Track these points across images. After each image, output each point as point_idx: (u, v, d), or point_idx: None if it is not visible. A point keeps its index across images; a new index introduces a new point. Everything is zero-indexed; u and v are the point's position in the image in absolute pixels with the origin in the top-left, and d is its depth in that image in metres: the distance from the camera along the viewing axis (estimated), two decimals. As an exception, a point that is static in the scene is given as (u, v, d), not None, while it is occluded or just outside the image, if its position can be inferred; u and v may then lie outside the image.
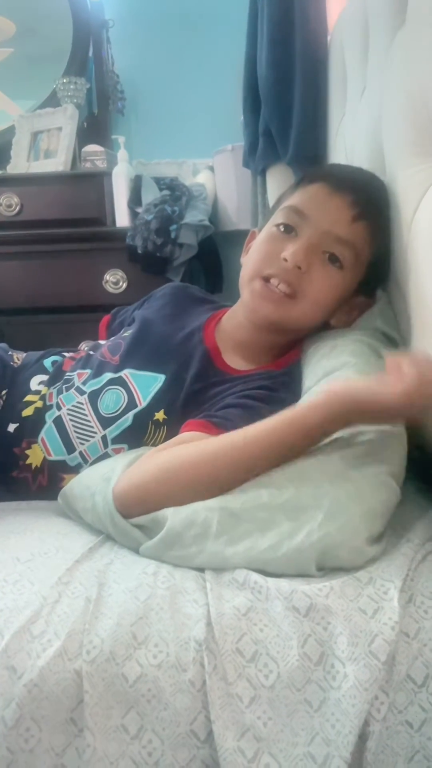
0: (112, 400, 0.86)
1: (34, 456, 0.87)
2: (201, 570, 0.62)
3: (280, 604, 0.56)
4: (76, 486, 0.78)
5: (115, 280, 1.74)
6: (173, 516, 0.64)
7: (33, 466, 0.87)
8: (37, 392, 0.92)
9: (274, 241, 0.85)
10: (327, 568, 0.61)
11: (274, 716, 0.52)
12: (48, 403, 0.90)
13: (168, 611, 0.56)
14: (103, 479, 0.72)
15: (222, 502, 0.64)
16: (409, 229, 0.80)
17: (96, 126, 2.02)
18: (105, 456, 0.84)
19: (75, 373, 0.93)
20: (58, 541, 0.69)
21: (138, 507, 0.68)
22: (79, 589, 0.59)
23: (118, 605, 0.57)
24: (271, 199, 1.57)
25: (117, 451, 0.83)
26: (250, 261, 0.88)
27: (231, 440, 0.68)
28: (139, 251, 1.66)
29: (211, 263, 1.87)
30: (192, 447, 0.70)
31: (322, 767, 0.50)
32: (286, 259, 0.82)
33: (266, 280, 0.84)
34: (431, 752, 0.52)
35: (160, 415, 0.84)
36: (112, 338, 0.99)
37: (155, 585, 0.59)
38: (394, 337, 0.87)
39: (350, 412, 0.66)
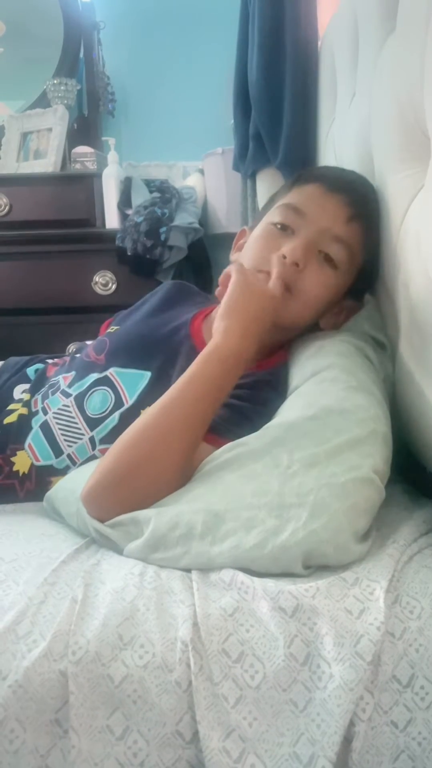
0: (99, 401, 0.86)
1: (21, 462, 0.86)
2: (188, 570, 0.61)
3: (266, 604, 0.56)
4: (61, 490, 0.78)
5: (104, 282, 1.74)
6: (157, 518, 0.63)
7: (20, 473, 0.86)
8: (20, 400, 0.91)
9: (270, 238, 0.85)
10: (313, 566, 0.61)
11: (259, 716, 0.52)
12: (33, 410, 0.89)
13: (154, 612, 0.56)
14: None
15: (206, 504, 0.64)
16: (398, 233, 0.80)
17: (86, 127, 2.01)
18: (93, 458, 0.83)
19: (60, 377, 0.92)
20: (43, 542, 0.69)
21: (107, 504, 0.67)
22: (65, 590, 0.59)
23: (104, 606, 0.56)
24: (261, 202, 1.57)
25: (104, 452, 0.83)
26: (244, 258, 0.87)
27: (156, 406, 0.71)
28: (129, 253, 1.66)
29: (200, 266, 1.88)
30: (128, 429, 0.71)
31: (308, 767, 0.50)
32: (284, 256, 0.81)
33: None
34: (416, 752, 0.52)
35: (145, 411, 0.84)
36: (99, 337, 0.99)
37: (142, 585, 0.59)
38: (382, 340, 0.88)
39: (217, 340, 0.73)
